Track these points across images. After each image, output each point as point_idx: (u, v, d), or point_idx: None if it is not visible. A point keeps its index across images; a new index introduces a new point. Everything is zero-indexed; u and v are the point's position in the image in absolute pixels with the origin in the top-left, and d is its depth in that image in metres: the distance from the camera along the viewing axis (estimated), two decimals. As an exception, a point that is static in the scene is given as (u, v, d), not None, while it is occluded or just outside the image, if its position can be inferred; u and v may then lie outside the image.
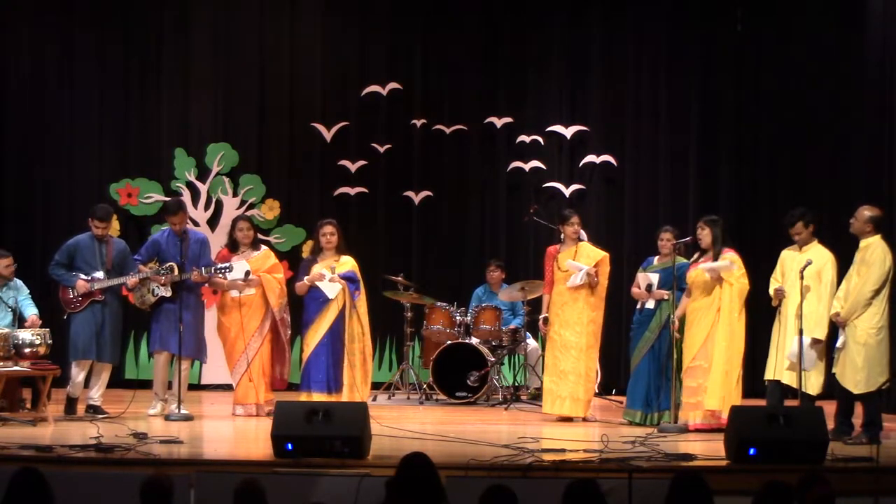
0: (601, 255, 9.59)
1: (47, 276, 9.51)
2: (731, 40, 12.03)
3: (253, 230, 9.78)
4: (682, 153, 12.08)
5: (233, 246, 9.69)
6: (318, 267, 9.45)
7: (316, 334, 9.35)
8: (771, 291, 8.67)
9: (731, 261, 8.81)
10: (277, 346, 9.61)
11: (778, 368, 8.51)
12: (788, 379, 8.44)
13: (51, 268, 9.35)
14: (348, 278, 9.41)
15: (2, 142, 12.06)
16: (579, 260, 9.47)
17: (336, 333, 9.35)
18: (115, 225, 11.79)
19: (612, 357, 11.37)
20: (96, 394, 9.27)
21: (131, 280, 9.35)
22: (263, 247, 9.88)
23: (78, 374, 9.22)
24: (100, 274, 9.21)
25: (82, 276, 9.20)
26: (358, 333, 9.45)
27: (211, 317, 11.73)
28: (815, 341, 8.33)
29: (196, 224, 11.84)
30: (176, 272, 9.31)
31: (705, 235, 8.91)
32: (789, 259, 8.70)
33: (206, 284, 9.64)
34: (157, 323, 9.49)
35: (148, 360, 10.92)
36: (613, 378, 11.49)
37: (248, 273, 9.45)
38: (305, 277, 9.43)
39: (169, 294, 9.38)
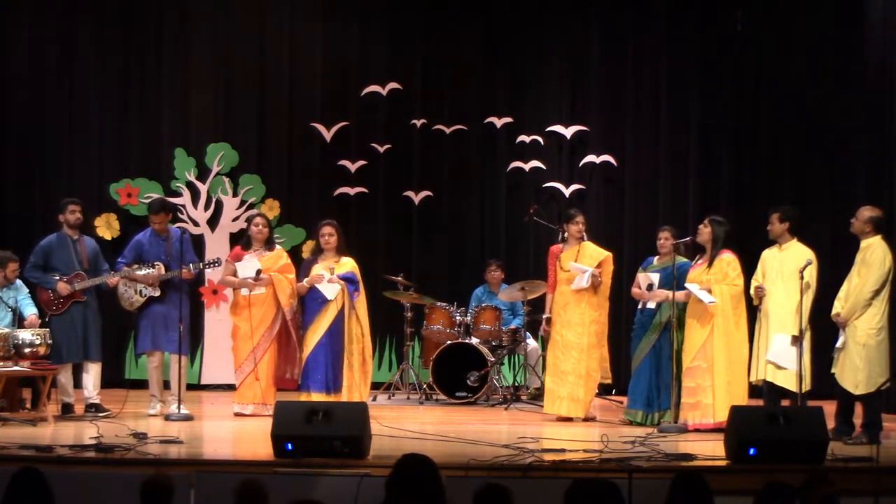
0: (604, 254, 9.58)
1: (24, 279, 9.44)
2: (731, 40, 12.03)
3: (268, 228, 9.72)
4: (682, 153, 12.07)
5: (246, 243, 9.66)
6: (318, 268, 9.45)
7: (315, 335, 9.34)
8: (752, 291, 8.69)
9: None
10: (289, 346, 9.54)
11: (762, 368, 8.51)
12: (772, 377, 8.45)
13: (27, 270, 9.30)
14: (347, 279, 9.40)
15: (2, 142, 12.05)
16: (582, 260, 9.47)
17: (335, 334, 9.35)
18: (115, 225, 11.84)
19: (612, 357, 11.35)
20: (94, 391, 9.27)
21: (112, 280, 9.33)
22: (277, 246, 9.83)
23: (66, 378, 9.21)
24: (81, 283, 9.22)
25: (63, 277, 9.18)
26: (357, 334, 9.45)
27: (211, 316, 11.82)
28: (794, 339, 8.33)
29: (196, 224, 11.84)
30: (163, 271, 9.31)
31: (706, 233, 8.91)
32: (770, 258, 8.72)
33: (217, 284, 9.60)
34: (146, 324, 9.45)
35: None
36: (614, 378, 11.47)
37: (259, 272, 9.42)
38: (305, 279, 9.43)
39: (157, 293, 9.37)
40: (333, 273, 9.36)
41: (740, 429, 6.88)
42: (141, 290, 9.40)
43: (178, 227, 10.20)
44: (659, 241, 9.24)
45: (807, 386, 8.39)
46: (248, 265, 9.48)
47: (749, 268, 8.97)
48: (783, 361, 8.37)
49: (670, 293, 8.79)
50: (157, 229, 9.54)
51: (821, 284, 8.57)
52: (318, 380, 9.27)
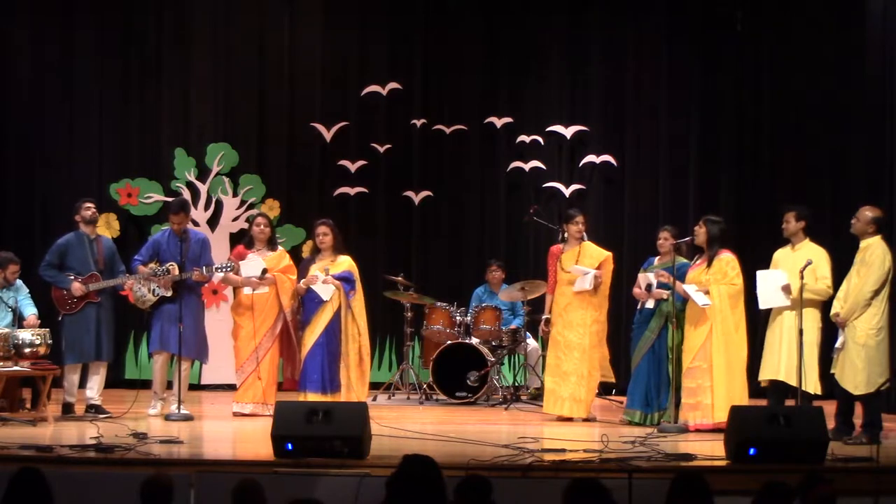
0: (605, 254, 9.58)
1: (39, 277, 9.49)
2: (731, 40, 12.03)
3: (270, 228, 9.73)
4: (682, 154, 12.07)
5: (249, 243, 9.67)
6: (315, 268, 9.46)
7: (312, 335, 9.35)
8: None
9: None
10: (289, 346, 9.55)
11: (774, 368, 8.50)
12: (785, 377, 8.44)
13: (42, 269, 9.32)
14: (343, 278, 9.40)
15: (2, 142, 12.05)
16: (583, 260, 9.47)
17: (332, 334, 9.35)
18: (115, 225, 11.85)
19: (612, 357, 11.35)
20: (95, 392, 9.28)
21: (128, 282, 9.34)
22: (280, 247, 9.85)
23: (72, 378, 9.23)
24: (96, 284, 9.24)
25: (78, 277, 9.19)
26: (353, 334, 9.44)
27: (211, 316, 11.81)
28: (786, 287, 8.34)
29: (196, 224, 11.83)
30: (177, 272, 9.31)
31: (701, 234, 8.92)
32: (783, 259, 8.70)
33: (219, 282, 9.60)
34: (156, 323, 9.47)
35: (148, 360, 10.93)
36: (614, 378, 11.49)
37: (264, 271, 9.42)
38: (301, 280, 9.43)
39: (169, 294, 9.37)
40: (328, 273, 9.37)
41: (740, 429, 6.88)
42: (154, 290, 9.41)
43: (194, 229, 10.20)
44: (658, 241, 9.24)
45: (816, 388, 8.38)
46: (254, 264, 9.48)
47: (748, 267, 8.97)
48: (768, 293, 8.40)
49: (670, 280, 8.81)
50: (176, 229, 9.54)
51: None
52: (315, 380, 9.28)
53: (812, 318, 8.43)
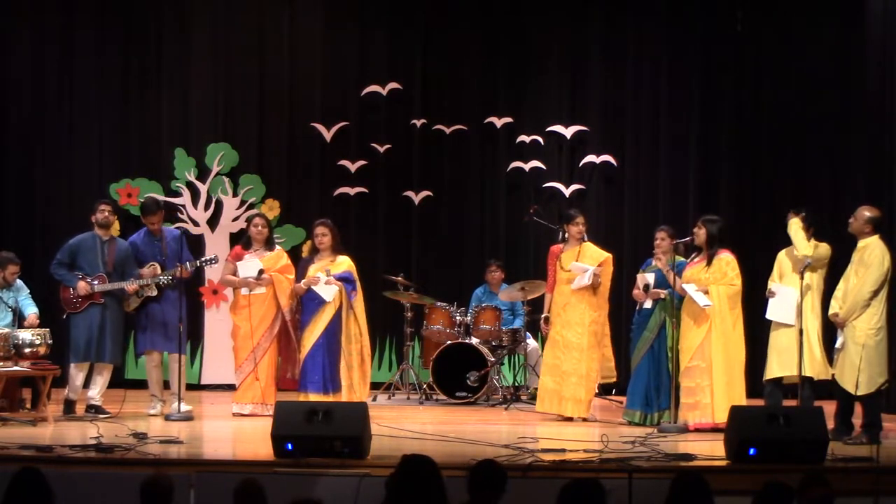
0: (604, 255, 9.59)
1: (48, 274, 9.51)
2: (731, 40, 12.03)
3: (268, 228, 9.73)
4: (682, 153, 12.08)
5: (246, 243, 9.67)
6: (315, 268, 9.45)
7: (312, 335, 9.34)
8: (767, 292, 8.69)
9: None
10: (288, 346, 9.55)
11: (779, 367, 8.49)
12: (784, 372, 8.44)
13: (52, 267, 9.36)
14: (344, 279, 9.40)
15: (2, 142, 12.05)
16: (582, 261, 9.47)
17: (332, 334, 9.34)
18: (116, 225, 11.83)
19: (613, 357, 11.35)
20: (97, 393, 9.29)
21: (130, 286, 9.34)
22: (277, 247, 9.84)
23: (77, 376, 9.25)
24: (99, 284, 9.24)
25: (86, 277, 9.21)
26: (355, 334, 9.45)
27: (211, 316, 11.83)
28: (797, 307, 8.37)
29: (196, 224, 11.84)
30: (158, 270, 9.33)
31: (701, 234, 8.93)
32: (785, 259, 8.69)
33: (217, 283, 9.60)
34: (143, 323, 9.49)
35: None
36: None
37: (261, 272, 9.43)
38: (302, 281, 9.43)
39: (154, 293, 9.38)
40: (330, 274, 9.36)
41: (740, 429, 6.88)
42: (138, 291, 9.42)
43: (175, 227, 10.20)
44: (655, 242, 9.24)
45: (822, 374, 8.40)
46: (250, 265, 9.49)
47: (747, 267, 8.96)
48: (778, 307, 8.43)
49: (670, 276, 8.82)
50: (154, 229, 9.55)
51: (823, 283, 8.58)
52: (316, 381, 9.27)
53: (812, 306, 8.43)
